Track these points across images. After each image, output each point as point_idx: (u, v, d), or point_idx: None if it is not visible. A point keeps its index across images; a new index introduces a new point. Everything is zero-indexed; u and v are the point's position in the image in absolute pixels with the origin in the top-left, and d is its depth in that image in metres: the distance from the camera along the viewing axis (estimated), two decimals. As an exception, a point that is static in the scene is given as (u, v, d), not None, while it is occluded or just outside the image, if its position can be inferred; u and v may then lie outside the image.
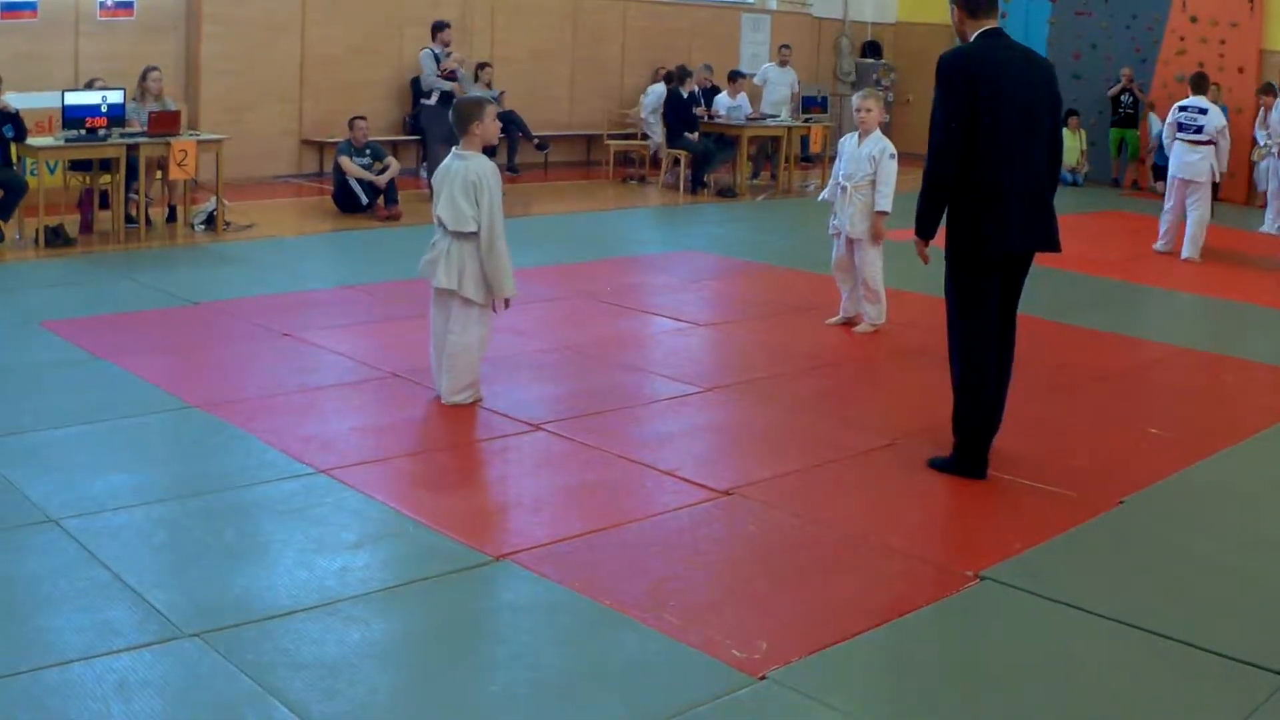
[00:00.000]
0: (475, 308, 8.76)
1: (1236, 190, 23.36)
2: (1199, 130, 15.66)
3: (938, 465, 7.86)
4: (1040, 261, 8.08)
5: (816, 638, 5.49)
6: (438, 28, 19.12)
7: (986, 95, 7.28)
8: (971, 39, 7.54)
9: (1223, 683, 5.32)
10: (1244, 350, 11.45)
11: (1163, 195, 17.33)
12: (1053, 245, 7.72)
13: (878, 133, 11.15)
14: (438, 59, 18.94)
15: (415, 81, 20.79)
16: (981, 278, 7.54)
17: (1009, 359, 7.88)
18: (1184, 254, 15.90)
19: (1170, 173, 16.33)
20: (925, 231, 7.70)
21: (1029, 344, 10.98)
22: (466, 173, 8.62)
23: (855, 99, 11.44)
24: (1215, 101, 17.00)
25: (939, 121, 7.39)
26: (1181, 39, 24.56)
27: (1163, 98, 24.16)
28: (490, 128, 8.98)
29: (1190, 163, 15.81)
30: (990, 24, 7.54)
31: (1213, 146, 15.73)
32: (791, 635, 5.51)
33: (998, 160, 7.32)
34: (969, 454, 7.72)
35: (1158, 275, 15.26)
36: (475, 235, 8.55)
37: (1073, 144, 24.87)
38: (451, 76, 18.97)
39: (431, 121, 18.88)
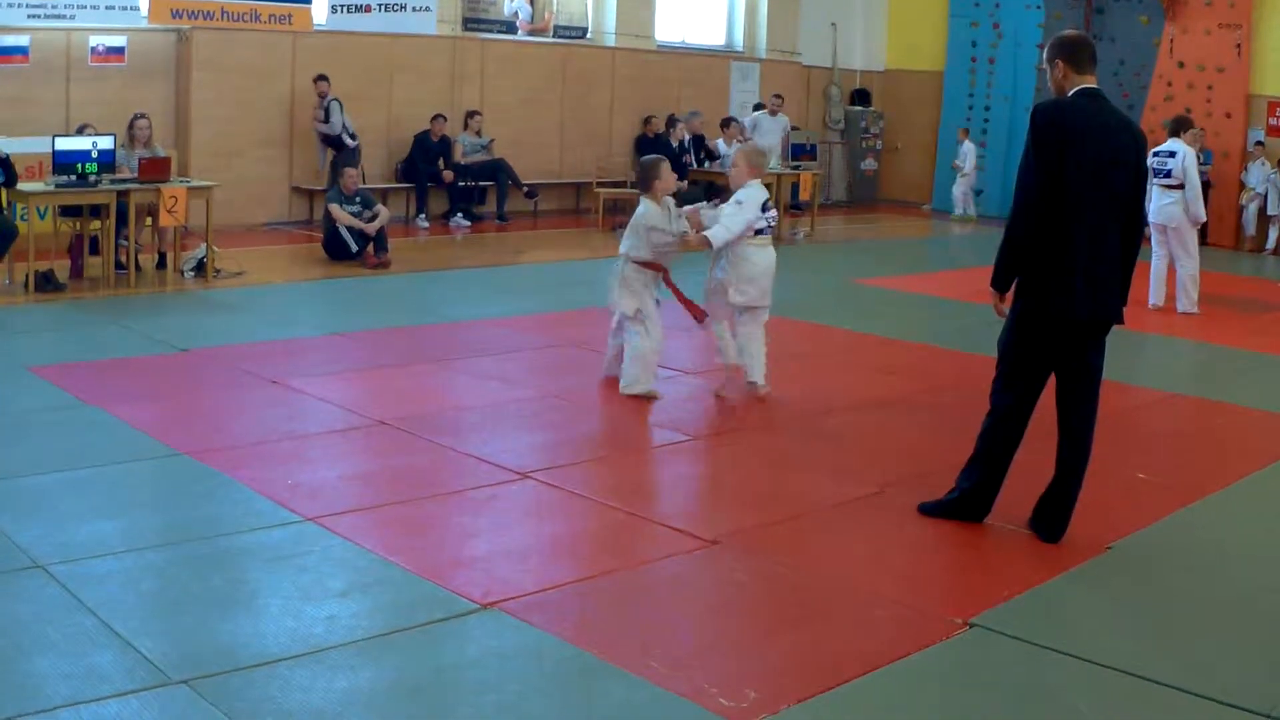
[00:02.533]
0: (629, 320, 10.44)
1: (1225, 234, 23.43)
2: (1168, 174, 15.65)
3: (929, 510, 7.84)
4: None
5: (805, 686, 5.47)
6: (315, 80, 19.48)
7: (1073, 154, 7.06)
8: (1069, 95, 7.35)
9: (1212, 730, 5.32)
10: (1233, 394, 11.46)
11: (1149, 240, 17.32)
12: (1117, 317, 7.51)
13: (748, 186, 10.82)
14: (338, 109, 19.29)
15: (419, 138, 20.93)
16: (1037, 339, 7.41)
17: (1083, 451, 7.63)
18: (1179, 309, 15.84)
19: (1149, 219, 16.32)
20: (1001, 285, 7.45)
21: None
22: (636, 216, 10.39)
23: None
24: (1197, 145, 16.93)
25: (1025, 172, 7.19)
26: (1169, 84, 24.69)
27: (1150, 144, 24.24)
28: (668, 181, 10.56)
29: (1163, 207, 15.78)
30: (1090, 81, 7.36)
31: (1182, 190, 15.68)
32: (780, 684, 5.50)
33: (1075, 223, 7.10)
34: (968, 500, 7.72)
35: (1146, 320, 15.26)
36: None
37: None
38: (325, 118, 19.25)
39: (334, 166, 19.31)
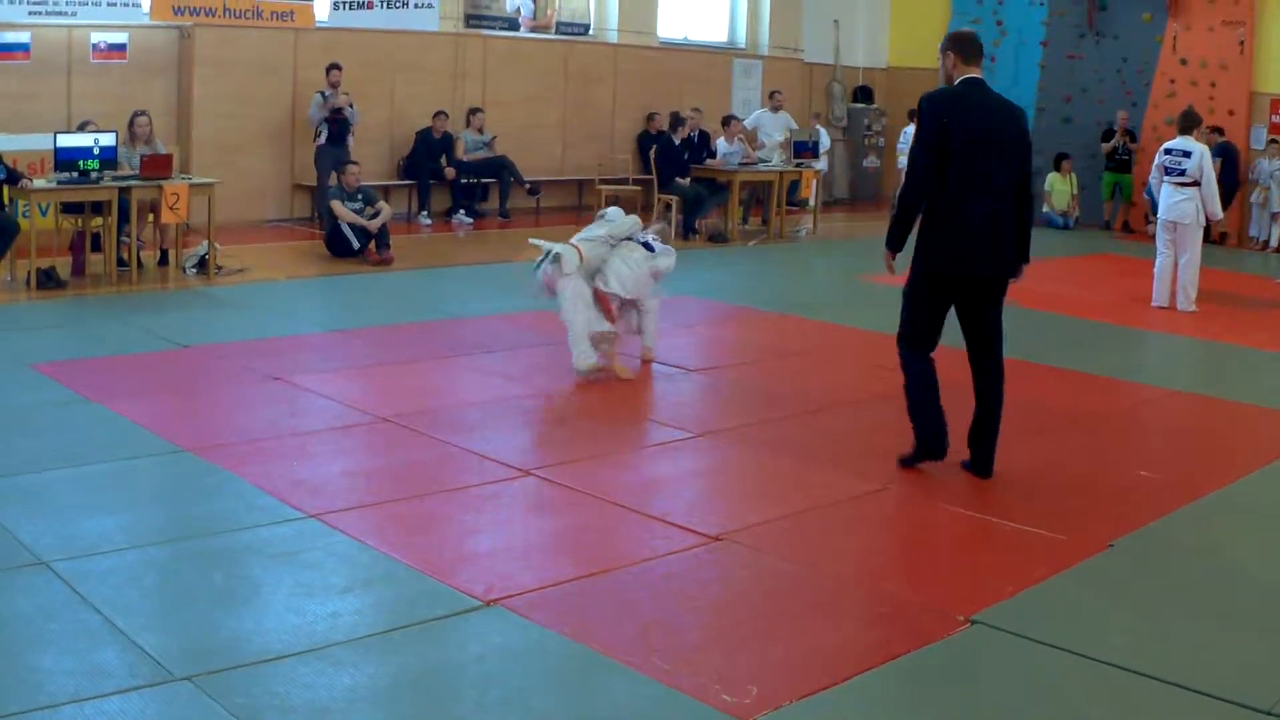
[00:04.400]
0: None
1: (1229, 232, 23.40)
2: (1182, 173, 15.59)
3: (908, 461, 8.71)
4: (1033, 304, 8.12)
5: (807, 682, 5.47)
6: (327, 69, 19.21)
7: (957, 134, 8.12)
8: (956, 83, 8.40)
9: (1214, 726, 5.32)
10: (1234, 392, 11.45)
11: (1153, 235, 17.30)
12: (1010, 272, 8.47)
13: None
14: (324, 98, 19.09)
15: (421, 134, 20.92)
16: (934, 293, 8.40)
17: (996, 393, 8.54)
18: (1179, 307, 15.78)
19: (1159, 216, 16.27)
20: (894, 245, 8.53)
21: (1019, 386, 10.99)
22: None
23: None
24: (1208, 141, 16.88)
25: (915, 153, 8.35)
26: (1172, 82, 24.66)
27: (1152, 141, 24.25)
28: None
29: (1175, 204, 15.69)
30: (975, 72, 8.41)
31: (1197, 187, 15.61)
32: (782, 680, 5.50)
33: (962, 192, 8.13)
34: (926, 443, 8.63)
35: (1149, 318, 15.28)
36: None
37: (1063, 188, 24.94)
38: (339, 115, 19.09)
39: (319, 159, 19.25)
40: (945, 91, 8.43)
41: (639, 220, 11.51)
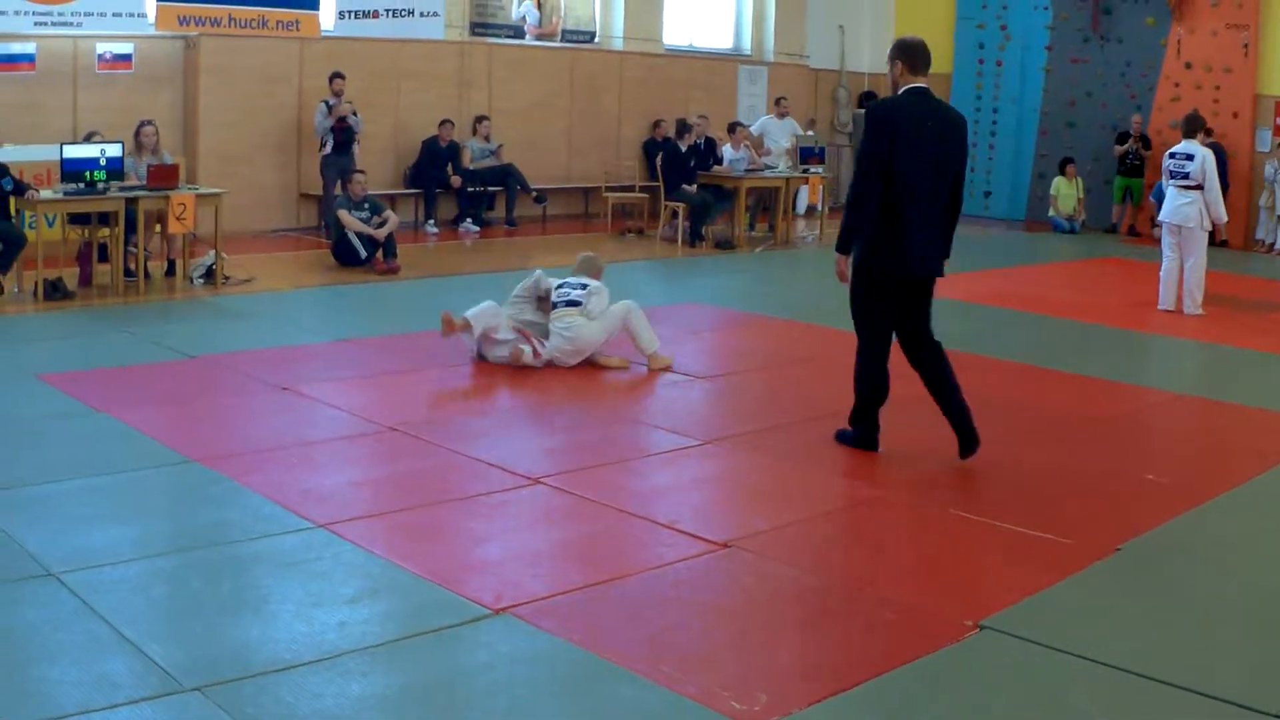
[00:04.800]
0: None
1: (1233, 233, 23.38)
2: (1185, 176, 15.59)
3: (843, 438, 9.33)
4: (1040, 309, 8.12)
5: (816, 689, 5.48)
6: (330, 78, 19.26)
7: (904, 143, 8.54)
8: (900, 93, 8.83)
9: (1223, 730, 5.32)
10: (1241, 395, 11.44)
11: (1158, 239, 17.30)
12: (939, 272, 9.02)
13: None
14: (329, 107, 19.12)
15: (428, 143, 20.94)
16: (880, 295, 8.85)
17: (947, 372, 9.06)
18: (1186, 310, 15.76)
19: (1161, 218, 16.27)
20: (844, 249, 8.83)
21: (1025, 390, 11.02)
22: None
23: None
24: (1212, 144, 16.86)
25: (863, 161, 8.73)
26: (1176, 85, 24.65)
27: (1157, 144, 24.25)
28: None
29: (1179, 207, 15.69)
30: (921, 81, 8.84)
31: (1200, 191, 15.61)
32: (791, 687, 5.50)
33: (906, 199, 8.57)
34: (864, 437, 9.21)
35: (1155, 322, 15.27)
36: None
37: (1069, 192, 24.94)
38: (343, 124, 19.12)
39: (325, 168, 19.30)
40: (893, 101, 8.89)
41: (539, 273, 11.95)
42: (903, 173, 8.54)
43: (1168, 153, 16.21)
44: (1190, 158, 15.60)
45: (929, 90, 8.87)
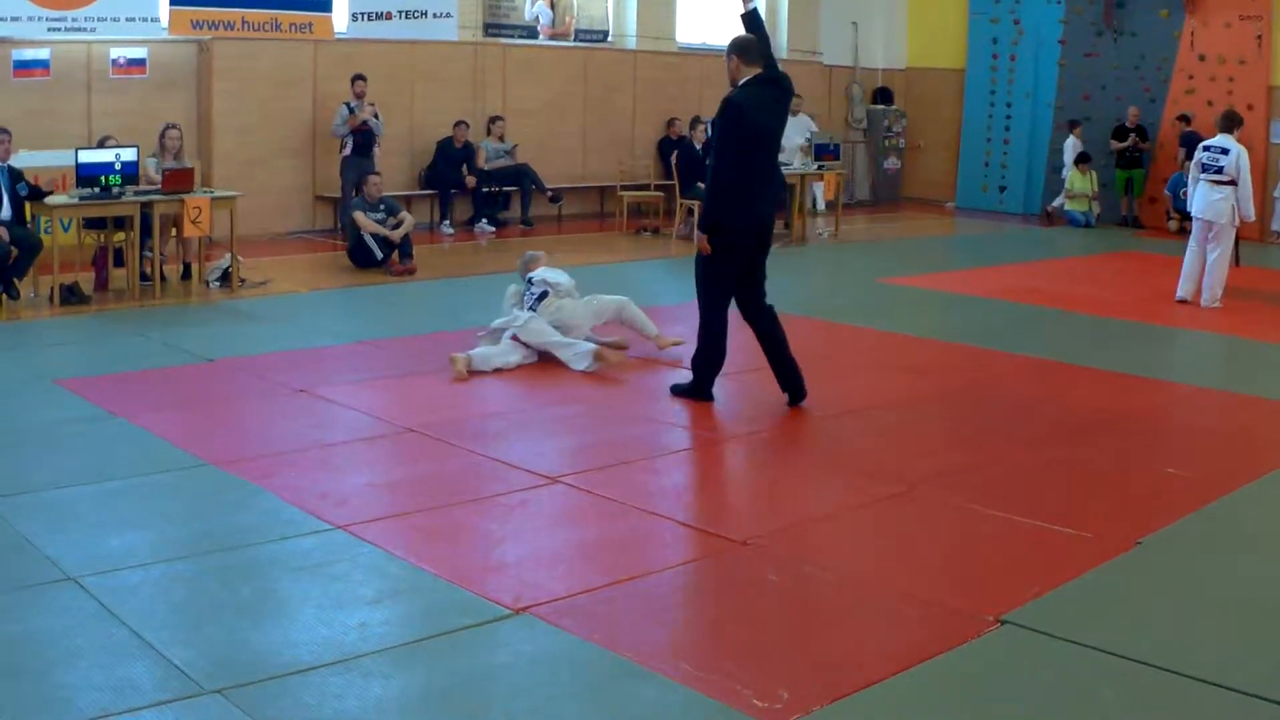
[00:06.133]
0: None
1: (1250, 227, 23.30)
2: (1220, 170, 15.56)
3: (679, 391, 10.48)
4: (1059, 304, 8.09)
5: (837, 686, 5.46)
6: (352, 80, 19.27)
7: (754, 129, 9.84)
8: (741, 84, 9.90)
9: (1247, 724, 5.30)
10: (1261, 388, 11.40)
11: (1176, 232, 17.25)
12: (772, 229, 10.42)
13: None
14: (351, 110, 19.14)
15: (442, 144, 20.96)
16: (731, 261, 9.97)
17: (779, 330, 10.27)
18: (1203, 302, 15.73)
19: (1194, 213, 16.23)
20: (708, 229, 9.97)
21: (1045, 385, 11.00)
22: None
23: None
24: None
25: (719, 150, 9.96)
26: (1190, 78, 24.59)
27: (1171, 137, 24.23)
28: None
29: (1212, 203, 15.66)
30: (757, 70, 9.94)
31: (1233, 186, 15.58)
32: (812, 684, 5.49)
33: (752, 175, 9.88)
34: (702, 387, 10.34)
35: (1174, 315, 15.23)
36: None
37: (1084, 186, 24.84)
38: (364, 127, 19.15)
39: (343, 170, 19.33)
40: (744, 93, 9.86)
41: (511, 288, 12.30)
42: (754, 154, 9.87)
43: (1201, 146, 16.20)
44: (1225, 152, 15.59)
45: (762, 77, 9.95)
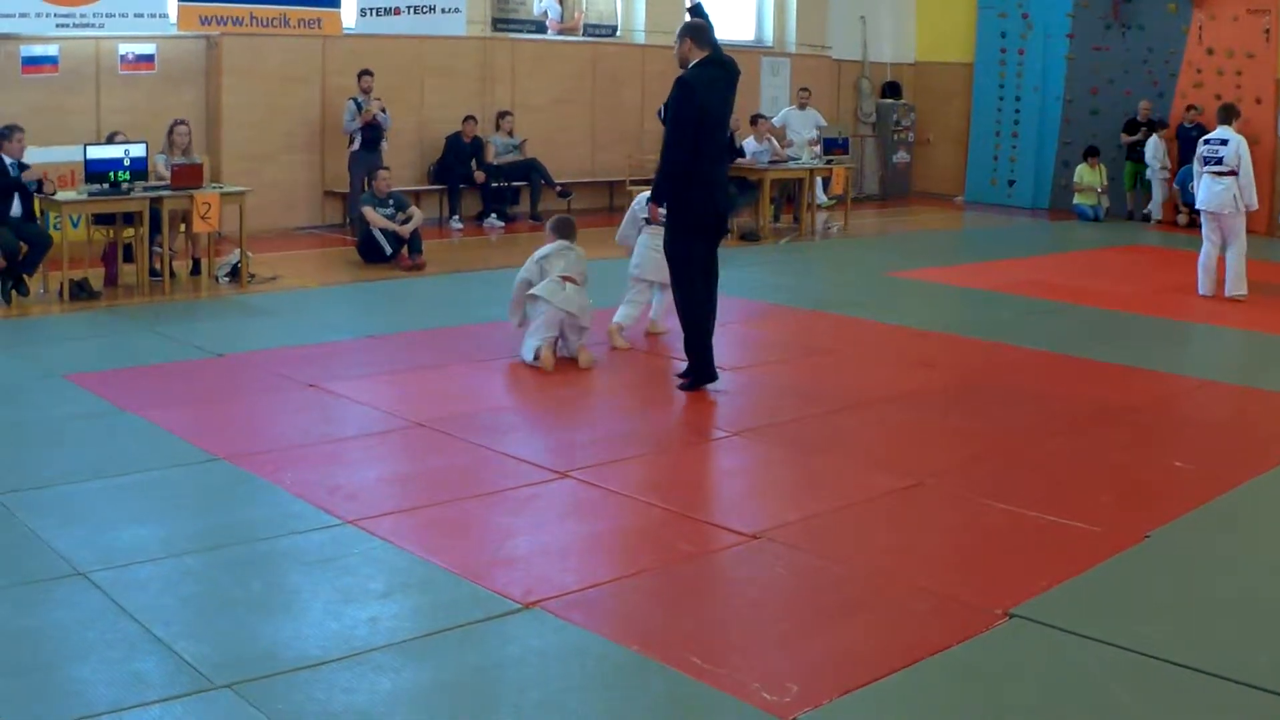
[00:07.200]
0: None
1: (1258, 220, 23.29)
2: (1219, 161, 15.60)
3: (688, 386, 10.47)
4: (1070, 298, 8.08)
5: (847, 679, 5.46)
6: (359, 75, 19.27)
7: (707, 110, 10.18)
8: (692, 65, 10.30)
9: (1256, 716, 5.29)
10: (1270, 382, 11.37)
11: (1183, 225, 17.24)
12: (729, 210, 11.39)
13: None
14: (359, 106, 19.14)
15: (451, 139, 20.96)
16: (697, 238, 10.35)
17: (715, 294, 10.61)
18: (1228, 292, 15.75)
19: (1198, 205, 16.27)
20: (661, 199, 10.52)
21: (1055, 379, 10.99)
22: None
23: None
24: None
25: (673, 127, 10.27)
26: (1198, 71, 24.54)
27: (1160, 113, 24.25)
28: None
29: (1214, 194, 15.70)
30: (708, 53, 10.36)
31: (1234, 176, 15.61)
32: (822, 677, 5.49)
33: (708, 155, 10.22)
34: (703, 369, 10.44)
35: (1183, 309, 15.20)
36: None
37: (1093, 180, 24.80)
38: (373, 123, 19.14)
39: (351, 165, 19.35)
40: (697, 75, 10.25)
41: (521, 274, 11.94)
42: (709, 134, 10.23)
43: (1202, 139, 16.26)
44: (1224, 143, 15.64)
45: (713, 59, 10.39)
